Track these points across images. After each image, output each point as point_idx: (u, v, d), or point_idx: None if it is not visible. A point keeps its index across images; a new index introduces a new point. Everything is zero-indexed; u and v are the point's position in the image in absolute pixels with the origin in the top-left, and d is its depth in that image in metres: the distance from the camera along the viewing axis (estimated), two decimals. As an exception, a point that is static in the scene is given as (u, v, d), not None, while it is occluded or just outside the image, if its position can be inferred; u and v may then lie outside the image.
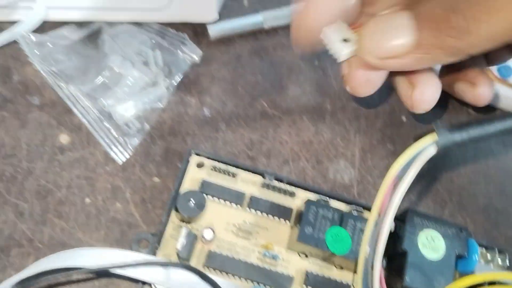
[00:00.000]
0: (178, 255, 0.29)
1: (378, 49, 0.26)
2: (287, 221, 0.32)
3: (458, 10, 0.23)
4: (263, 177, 0.32)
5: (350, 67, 0.29)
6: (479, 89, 0.29)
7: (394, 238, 0.31)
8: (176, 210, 0.30)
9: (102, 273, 0.28)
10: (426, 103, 0.28)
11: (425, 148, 0.24)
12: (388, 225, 0.24)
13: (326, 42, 0.28)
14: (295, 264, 0.31)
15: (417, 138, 0.25)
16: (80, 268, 0.27)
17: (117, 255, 0.28)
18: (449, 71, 0.32)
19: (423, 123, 0.37)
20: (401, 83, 0.30)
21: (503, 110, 0.38)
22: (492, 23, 0.22)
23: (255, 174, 0.33)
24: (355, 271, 0.30)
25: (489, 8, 0.22)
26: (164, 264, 0.26)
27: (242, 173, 0.33)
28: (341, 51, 0.28)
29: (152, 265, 0.26)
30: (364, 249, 0.24)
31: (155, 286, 0.27)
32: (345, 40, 0.28)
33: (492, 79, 0.29)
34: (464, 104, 0.37)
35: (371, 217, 0.24)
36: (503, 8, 0.22)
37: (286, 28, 0.39)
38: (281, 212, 0.32)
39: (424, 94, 0.28)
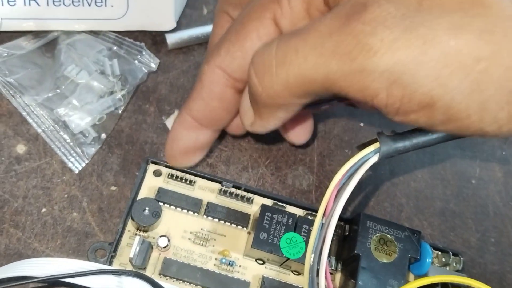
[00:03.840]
0: (132, 263, 0.29)
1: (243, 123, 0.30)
2: (244, 227, 0.32)
3: (251, 66, 0.25)
4: (221, 184, 0.33)
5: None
6: (295, 130, 0.33)
7: (349, 242, 0.32)
8: (132, 218, 0.30)
9: (58, 283, 0.28)
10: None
11: (368, 157, 0.25)
12: (332, 230, 0.24)
13: None
14: (252, 270, 0.31)
15: (361, 146, 0.25)
16: (34, 278, 0.27)
17: (72, 265, 0.27)
18: None
19: (381, 127, 0.38)
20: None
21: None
22: (281, 76, 0.24)
23: (213, 182, 0.33)
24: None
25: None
26: (115, 272, 0.26)
27: (200, 181, 0.33)
28: None
29: (103, 274, 0.26)
30: (309, 255, 0.25)
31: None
32: None
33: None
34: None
35: (315, 223, 0.25)
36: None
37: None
38: (239, 218, 0.32)
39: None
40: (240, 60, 0.27)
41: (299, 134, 0.33)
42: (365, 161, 0.25)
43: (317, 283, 0.25)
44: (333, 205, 0.24)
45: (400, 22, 0.20)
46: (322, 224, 0.25)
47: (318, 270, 0.25)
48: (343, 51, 0.21)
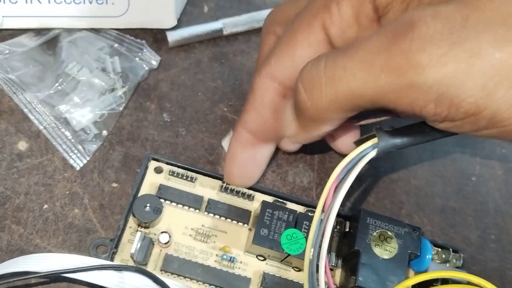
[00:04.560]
0: (133, 259, 0.29)
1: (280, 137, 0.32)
2: (245, 224, 0.32)
3: (299, 81, 0.26)
4: (222, 181, 0.33)
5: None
6: (339, 142, 0.32)
7: (349, 238, 0.32)
8: (134, 215, 0.30)
9: (60, 278, 0.28)
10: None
11: (366, 152, 0.25)
12: (331, 225, 0.24)
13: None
14: (252, 266, 0.31)
15: (359, 142, 0.25)
16: (36, 273, 0.27)
17: (73, 260, 0.28)
18: None
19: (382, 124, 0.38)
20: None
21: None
22: (330, 93, 0.25)
23: (214, 179, 0.33)
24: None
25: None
26: (117, 268, 0.26)
27: (201, 178, 0.33)
28: None
29: (104, 269, 0.26)
30: (308, 250, 0.25)
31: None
32: None
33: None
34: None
35: (314, 218, 0.25)
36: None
37: (245, 35, 0.39)
38: (239, 215, 0.32)
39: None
40: (291, 69, 0.28)
41: (346, 144, 0.33)
42: (363, 156, 0.25)
43: (317, 278, 0.25)
44: (332, 199, 0.24)
45: (446, 38, 0.21)
46: (321, 219, 0.25)
47: (318, 266, 0.25)
48: (392, 68, 0.22)
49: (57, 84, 0.32)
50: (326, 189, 0.25)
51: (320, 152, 0.36)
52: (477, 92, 0.21)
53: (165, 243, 0.30)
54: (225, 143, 0.34)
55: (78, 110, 0.32)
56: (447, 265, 0.32)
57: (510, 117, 0.21)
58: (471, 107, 0.21)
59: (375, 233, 0.30)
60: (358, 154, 0.25)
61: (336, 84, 0.24)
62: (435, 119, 0.23)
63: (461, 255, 0.32)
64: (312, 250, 0.25)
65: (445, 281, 0.30)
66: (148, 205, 0.30)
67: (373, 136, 0.25)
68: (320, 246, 0.24)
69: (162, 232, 0.30)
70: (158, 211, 0.30)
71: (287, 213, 0.31)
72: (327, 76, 0.24)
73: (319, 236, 0.24)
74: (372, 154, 0.25)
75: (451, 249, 0.33)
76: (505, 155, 0.39)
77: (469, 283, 0.26)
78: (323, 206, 0.25)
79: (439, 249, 0.33)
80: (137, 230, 0.31)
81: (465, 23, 0.21)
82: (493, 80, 0.21)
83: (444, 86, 0.21)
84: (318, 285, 0.25)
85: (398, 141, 0.25)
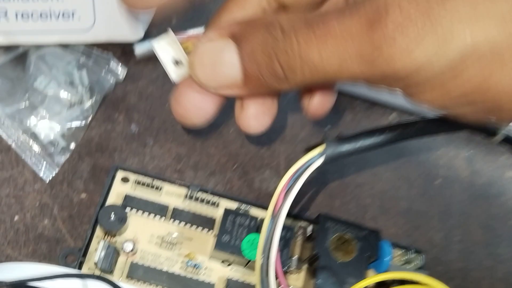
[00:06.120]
0: (98, 267, 0.30)
1: (209, 81, 0.26)
2: (210, 231, 0.33)
3: (276, 56, 0.23)
4: (188, 188, 0.34)
5: (179, 88, 0.28)
6: (314, 101, 0.28)
7: (311, 242, 0.33)
8: (99, 224, 0.31)
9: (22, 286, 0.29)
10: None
11: (313, 160, 0.26)
12: (279, 230, 0.25)
13: (159, 58, 0.28)
14: (217, 272, 0.32)
15: (308, 149, 0.26)
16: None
17: (39, 269, 0.28)
18: None
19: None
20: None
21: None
22: (305, 74, 0.23)
23: (180, 187, 0.34)
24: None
25: (301, 58, 0.23)
26: (80, 276, 0.27)
27: (167, 186, 0.34)
28: (173, 75, 0.28)
29: (68, 277, 0.27)
30: (259, 255, 0.26)
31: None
32: (177, 62, 0.28)
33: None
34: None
35: (264, 224, 0.26)
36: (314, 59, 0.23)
37: (213, 45, 0.40)
38: (204, 222, 0.33)
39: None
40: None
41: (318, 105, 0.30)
42: (311, 163, 0.26)
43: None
44: (280, 206, 0.25)
45: (419, 22, 0.21)
46: (270, 225, 0.26)
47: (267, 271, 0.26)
48: (366, 57, 0.22)
49: (25, 99, 0.33)
50: (275, 196, 0.26)
51: (286, 158, 0.37)
52: (448, 76, 0.21)
53: (130, 251, 0.31)
54: (157, 45, 0.28)
55: (46, 123, 0.33)
56: (409, 266, 0.33)
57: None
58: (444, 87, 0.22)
59: (334, 237, 0.31)
60: (306, 162, 0.26)
61: (311, 68, 0.23)
62: (406, 94, 0.23)
63: (423, 255, 0.33)
64: (263, 256, 0.26)
65: (401, 282, 0.30)
66: (113, 214, 0.31)
67: (321, 143, 0.26)
68: (269, 250, 0.25)
69: (126, 241, 0.31)
70: (123, 220, 0.31)
71: (248, 219, 0.31)
72: (302, 59, 0.23)
73: (268, 241, 0.25)
74: (320, 161, 0.26)
75: (412, 250, 0.33)
76: (470, 157, 0.40)
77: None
78: (273, 212, 0.26)
79: (402, 251, 0.34)
80: (103, 239, 0.32)
81: (440, 5, 0.21)
82: (464, 63, 0.21)
83: (414, 76, 0.21)
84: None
85: (344, 149, 0.26)
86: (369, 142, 0.26)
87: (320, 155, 0.26)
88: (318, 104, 0.28)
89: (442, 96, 0.22)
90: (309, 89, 0.28)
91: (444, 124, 0.28)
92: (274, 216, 0.25)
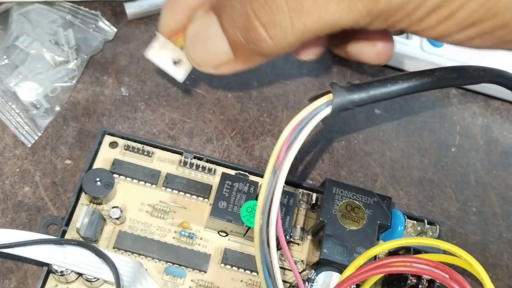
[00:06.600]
0: (80, 234, 0.27)
1: (204, 62, 0.26)
2: (205, 199, 0.30)
3: (256, 15, 0.22)
4: (182, 154, 0.31)
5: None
6: (378, 47, 0.27)
7: (316, 210, 0.30)
8: (84, 190, 0.28)
9: (4, 255, 0.26)
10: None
11: (320, 109, 0.23)
12: (280, 186, 0.22)
13: (159, 66, 0.28)
14: (214, 242, 0.29)
15: (313, 98, 0.23)
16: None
17: (13, 236, 0.26)
18: (342, 34, 0.28)
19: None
20: (355, 46, 0.28)
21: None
22: (288, 31, 0.22)
23: (173, 153, 0.31)
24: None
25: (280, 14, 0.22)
26: (57, 242, 0.24)
27: (159, 152, 0.31)
28: (178, 75, 0.28)
29: (44, 243, 0.24)
30: (258, 217, 0.23)
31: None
32: (175, 62, 0.28)
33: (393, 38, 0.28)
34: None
35: (264, 180, 0.23)
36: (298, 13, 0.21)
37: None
38: (199, 189, 0.30)
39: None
40: None
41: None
42: (317, 113, 0.23)
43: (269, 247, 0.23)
44: (282, 160, 0.22)
45: None
46: (271, 183, 0.23)
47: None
48: None
49: (5, 57, 0.31)
50: (276, 148, 0.23)
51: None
52: None
53: (117, 218, 0.28)
54: (151, 54, 0.28)
55: (28, 83, 0.31)
56: (424, 237, 0.30)
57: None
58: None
59: (341, 203, 0.28)
60: (311, 111, 0.23)
61: (305, 18, 0.21)
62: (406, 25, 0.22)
63: (437, 226, 0.30)
64: (262, 217, 0.23)
65: (417, 251, 0.28)
66: (98, 179, 0.28)
67: (328, 92, 0.23)
68: (269, 212, 0.22)
69: (112, 207, 0.28)
70: (109, 185, 0.28)
71: (247, 184, 0.29)
72: (291, 9, 0.21)
73: (268, 199, 0.22)
74: (327, 111, 0.23)
75: (426, 221, 0.31)
76: (487, 124, 0.37)
77: (445, 252, 0.24)
78: (274, 165, 0.23)
79: (415, 222, 0.31)
80: (88, 206, 0.29)
81: None
82: None
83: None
84: (270, 254, 0.23)
85: (355, 97, 0.23)
86: (381, 91, 0.23)
87: (328, 104, 0.23)
88: (383, 48, 0.27)
89: (445, 19, 0.21)
90: (367, 37, 0.27)
91: (463, 75, 0.25)
92: (276, 170, 0.22)
